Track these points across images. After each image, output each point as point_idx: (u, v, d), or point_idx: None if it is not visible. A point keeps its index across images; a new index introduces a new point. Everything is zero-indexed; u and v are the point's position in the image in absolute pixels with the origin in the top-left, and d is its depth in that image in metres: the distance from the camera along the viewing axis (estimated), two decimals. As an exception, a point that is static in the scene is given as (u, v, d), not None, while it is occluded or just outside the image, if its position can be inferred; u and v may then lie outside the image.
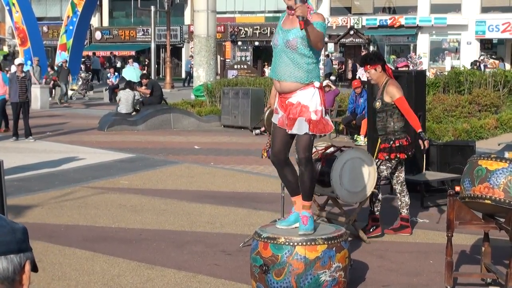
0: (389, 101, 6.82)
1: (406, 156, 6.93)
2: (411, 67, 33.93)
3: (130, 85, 19.18)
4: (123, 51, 47.60)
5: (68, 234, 6.96)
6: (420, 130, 6.82)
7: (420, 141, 6.81)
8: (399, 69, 10.81)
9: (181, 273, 5.72)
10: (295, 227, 5.13)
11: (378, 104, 6.94)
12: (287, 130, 5.09)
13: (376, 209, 6.99)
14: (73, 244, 6.54)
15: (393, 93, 6.78)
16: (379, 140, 7.07)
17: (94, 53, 41.22)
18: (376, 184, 6.80)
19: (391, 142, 6.84)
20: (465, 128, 14.13)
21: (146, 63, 38.40)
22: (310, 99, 5.00)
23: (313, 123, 4.99)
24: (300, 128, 4.99)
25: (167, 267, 5.89)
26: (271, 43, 5.22)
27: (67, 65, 26.79)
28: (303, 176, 5.12)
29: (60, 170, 10.95)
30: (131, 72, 26.86)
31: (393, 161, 6.89)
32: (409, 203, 7.12)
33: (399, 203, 7.12)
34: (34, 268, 1.69)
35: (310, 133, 5.00)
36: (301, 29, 4.85)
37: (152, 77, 27.52)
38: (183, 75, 46.85)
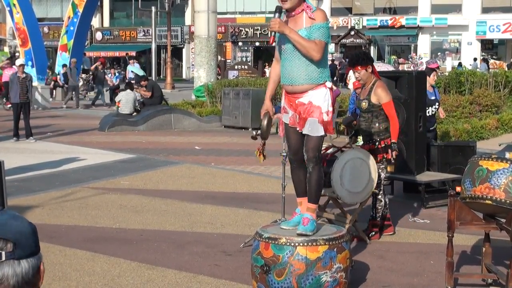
0: (376, 102, 6.77)
1: (391, 156, 6.91)
2: (412, 68, 33.95)
3: (130, 85, 19.21)
4: (124, 51, 47.64)
5: (69, 234, 6.97)
6: (394, 140, 6.71)
7: (389, 151, 6.71)
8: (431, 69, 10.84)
9: (181, 274, 5.72)
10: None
11: (364, 104, 6.87)
12: (298, 129, 5.04)
13: (378, 214, 6.98)
14: (74, 244, 6.54)
15: (381, 96, 6.72)
16: (359, 139, 7.05)
17: (84, 54, 41.24)
18: (378, 189, 6.79)
19: (377, 143, 6.82)
20: (466, 128, 14.12)
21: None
22: (323, 100, 4.95)
23: (325, 124, 4.96)
24: (314, 129, 4.93)
25: (167, 267, 5.89)
26: (276, 49, 5.13)
27: (102, 68, 26.53)
28: (310, 177, 5.07)
29: (61, 171, 10.95)
30: (137, 70, 26.95)
31: (385, 162, 6.88)
32: (387, 202, 7.12)
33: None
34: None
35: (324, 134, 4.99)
36: (270, 44, 4.92)
37: (153, 78, 27.56)
38: (184, 75, 46.90)
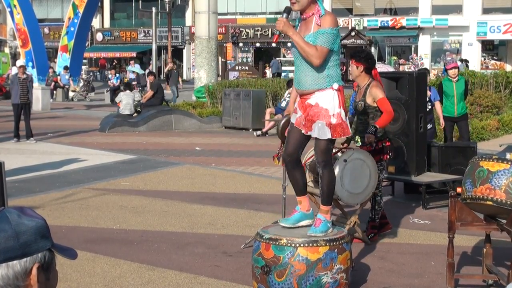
0: (371, 104, 6.73)
1: (388, 157, 6.90)
2: (412, 69, 33.92)
3: (129, 86, 19.26)
4: (124, 52, 47.66)
5: (69, 235, 6.96)
6: (376, 125, 6.56)
7: (368, 135, 6.55)
8: (448, 70, 10.85)
9: (182, 275, 5.72)
10: (298, 226, 5.12)
11: (360, 106, 6.83)
12: (303, 131, 5.01)
13: (377, 216, 6.98)
14: (74, 245, 6.53)
15: (376, 94, 6.67)
16: (359, 140, 7.02)
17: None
18: (378, 189, 6.78)
19: (374, 145, 6.80)
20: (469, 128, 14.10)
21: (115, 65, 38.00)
22: (331, 102, 4.90)
23: (333, 127, 4.89)
24: (321, 132, 4.90)
25: (168, 268, 5.89)
26: (291, 54, 5.13)
27: (176, 68, 26.11)
28: (322, 180, 5.06)
29: (61, 172, 10.95)
30: (137, 69, 26.89)
31: (383, 162, 6.87)
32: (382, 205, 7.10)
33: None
34: (48, 269, 1.60)
35: (332, 138, 4.93)
36: (274, 43, 4.87)
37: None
38: (184, 76, 46.90)
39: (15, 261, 1.54)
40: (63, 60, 29.88)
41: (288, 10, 4.92)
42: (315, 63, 4.83)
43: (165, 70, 27.23)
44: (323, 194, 5.11)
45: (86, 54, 40.07)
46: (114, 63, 46.28)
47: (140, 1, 38.00)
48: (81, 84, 29.92)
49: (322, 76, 4.91)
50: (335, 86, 4.94)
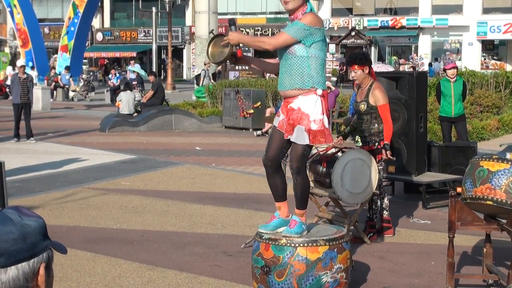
0: (374, 104, 6.77)
1: (386, 156, 6.92)
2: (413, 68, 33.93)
3: (129, 86, 19.27)
4: (125, 52, 47.66)
5: (70, 235, 6.96)
6: (387, 142, 6.72)
7: (384, 151, 6.72)
8: (446, 70, 10.91)
9: (182, 274, 5.72)
10: (277, 233, 5.00)
11: (363, 106, 6.86)
12: (284, 135, 4.93)
13: (375, 215, 6.99)
14: (75, 245, 6.54)
15: (378, 98, 6.73)
16: (359, 140, 7.06)
17: None
18: (379, 189, 6.78)
19: (376, 144, 6.82)
20: (467, 129, 14.10)
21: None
22: (312, 107, 4.79)
23: (313, 133, 4.78)
24: (299, 137, 4.80)
25: (168, 268, 5.89)
26: (278, 56, 5.04)
27: (219, 69, 25.68)
28: (295, 185, 4.97)
29: (62, 171, 10.95)
30: (138, 69, 26.87)
31: (382, 162, 6.88)
32: (388, 204, 7.13)
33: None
34: (50, 266, 1.61)
35: (310, 144, 4.84)
36: (239, 57, 4.90)
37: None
38: (185, 76, 46.88)
39: (24, 263, 1.54)
40: (63, 60, 29.89)
41: (233, 23, 4.96)
42: (266, 45, 4.83)
43: (216, 70, 26.81)
44: (297, 199, 5.01)
45: (86, 54, 40.08)
46: (106, 63, 46.23)
47: (140, 1, 37.99)
48: (81, 84, 29.92)
49: (304, 75, 4.80)
50: (319, 91, 4.81)
